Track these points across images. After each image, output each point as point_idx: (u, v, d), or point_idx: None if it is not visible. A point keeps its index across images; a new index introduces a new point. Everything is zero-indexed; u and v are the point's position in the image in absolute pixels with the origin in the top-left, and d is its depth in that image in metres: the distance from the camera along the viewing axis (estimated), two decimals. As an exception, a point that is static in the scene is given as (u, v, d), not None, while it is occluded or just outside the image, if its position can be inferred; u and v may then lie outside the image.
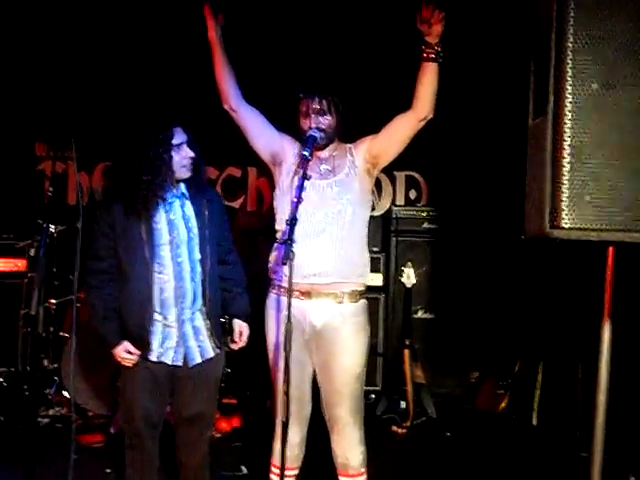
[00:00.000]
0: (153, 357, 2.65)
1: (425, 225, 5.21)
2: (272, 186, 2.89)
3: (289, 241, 2.25)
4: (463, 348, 5.16)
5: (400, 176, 5.86)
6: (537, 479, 3.68)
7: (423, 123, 2.65)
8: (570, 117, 1.68)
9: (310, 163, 2.54)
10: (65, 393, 4.39)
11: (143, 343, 2.63)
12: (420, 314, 5.20)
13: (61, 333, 4.66)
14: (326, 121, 2.68)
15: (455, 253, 5.19)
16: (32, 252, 4.81)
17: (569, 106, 1.68)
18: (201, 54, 2.89)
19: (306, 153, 2.50)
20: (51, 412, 4.34)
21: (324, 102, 2.68)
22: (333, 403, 2.73)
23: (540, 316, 4.73)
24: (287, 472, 2.82)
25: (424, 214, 5.26)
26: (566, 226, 1.71)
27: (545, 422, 4.51)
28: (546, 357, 4.60)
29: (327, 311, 2.67)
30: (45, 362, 4.65)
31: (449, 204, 5.40)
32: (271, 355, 2.79)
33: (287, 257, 2.24)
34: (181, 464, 2.85)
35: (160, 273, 2.63)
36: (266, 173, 6.04)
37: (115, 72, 5.46)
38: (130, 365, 2.64)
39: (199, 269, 2.68)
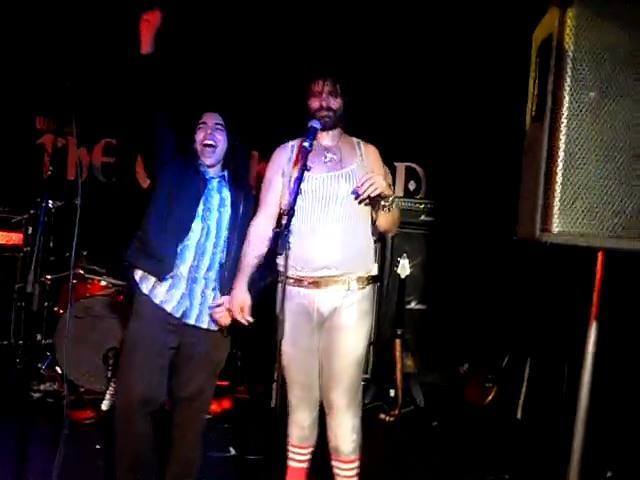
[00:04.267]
0: (157, 299, 2.72)
1: (422, 217, 5.23)
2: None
3: (286, 231, 2.28)
4: (454, 340, 5.21)
5: (400, 167, 5.89)
6: (518, 469, 3.74)
7: None
8: (566, 124, 1.71)
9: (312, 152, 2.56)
10: (57, 368, 4.42)
11: (165, 265, 2.71)
12: (413, 305, 5.25)
13: (55, 308, 4.69)
14: (337, 103, 2.75)
15: (450, 247, 5.23)
16: (29, 228, 4.83)
17: (566, 113, 1.71)
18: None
19: (306, 144, 2.49)
20: (42, 387, 4.36)
21: (337, 85, 2.76)
22: (330, 387, 2.74)
23: (530, 313, 4.76)
24: (300, 450, 2.91)
25: (422, 206, 5.27)
26: (556, 230, 1.74)
27: (529, 416, 4.57)
28: (534, 353, 4.65)
29: (335, 298, 2.70)
30: (38, 337, 4.69)
31: (447, 198, 5.42)
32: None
33: (284, 247, 2.27)
34: (176, 441, 2.89)
35: None
36: (268, 158, 6.07)
37: (122, 46, 5.43)
38: None
39: (223, 243, 2.79)
